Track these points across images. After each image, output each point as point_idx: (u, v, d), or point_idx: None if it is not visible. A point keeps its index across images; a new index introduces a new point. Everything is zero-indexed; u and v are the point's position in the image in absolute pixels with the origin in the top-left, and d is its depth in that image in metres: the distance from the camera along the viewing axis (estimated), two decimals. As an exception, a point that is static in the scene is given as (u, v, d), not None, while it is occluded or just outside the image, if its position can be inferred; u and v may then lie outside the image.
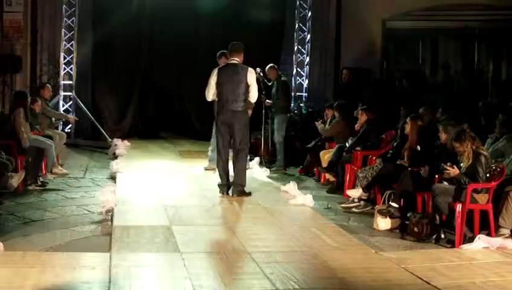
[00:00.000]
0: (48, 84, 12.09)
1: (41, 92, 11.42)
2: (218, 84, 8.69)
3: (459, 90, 14.51)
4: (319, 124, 11.01)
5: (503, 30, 14.68)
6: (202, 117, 14.06)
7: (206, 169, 10.47)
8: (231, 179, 8.79)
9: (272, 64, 11.45)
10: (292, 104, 14.59)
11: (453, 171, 6.85)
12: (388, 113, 11.02)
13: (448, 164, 6.98)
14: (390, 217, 7.45)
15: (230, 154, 8.97)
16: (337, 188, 9.60)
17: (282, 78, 11.54)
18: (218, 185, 8.81)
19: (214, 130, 9.85)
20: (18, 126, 9.26)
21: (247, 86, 8.66)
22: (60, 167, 10.27)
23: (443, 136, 7.63)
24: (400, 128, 9.03)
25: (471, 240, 6.67)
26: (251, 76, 8.71)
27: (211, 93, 8.80)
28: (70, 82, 14.13)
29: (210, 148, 10.65)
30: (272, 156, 11.83)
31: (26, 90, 11.37)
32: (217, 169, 8.96)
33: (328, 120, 11.12)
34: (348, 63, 14.67)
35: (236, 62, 8.77)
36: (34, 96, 10.89)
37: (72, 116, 12.59)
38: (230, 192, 8.71)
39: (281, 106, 11.36)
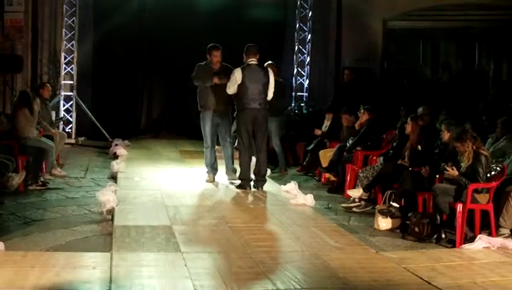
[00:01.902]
0: (47, 84, 12.08)
1: (40, 92, 11.41)
2: (242, 84, 8.88)
3: (460, 90, 14.50)
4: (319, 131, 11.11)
5: (503, 30, 14.67)
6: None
7: (207, 181, 9.62)
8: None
9: (270, 62, 11.07)
10: (293, 104, 14.61)
11: (452, 172, 6.86)
12: (389, 113, 11.01)
13: (449, 163, 6.99)
14: (391, 217, 7.45)
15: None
16: (338, 188, 9.60)
17: (280, 80, 11.37)
18: (242, 182, 9.04)
19: (210, 135, 9.49)
20: (18, 123, 9.29)
21: (268, 86, 9.04)
22: (59, 169, 10.24)
23: (446, 135, 7.63)
24: (399, 128, 9.03)
25: (471, 240, 6.67)
26: (271, 76, 9.14)
27: (233, 89, 8.97)
28: (71, 82, 14.15)
29: (208, 161, 9.70)
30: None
31: (28, 90, 11.37)
32: (240, 166, 9.14)
33: (329, 122, 11.12)
34: (349, 63, 14.68)
35: (256, 63, 9.06)
36: (33, 95, 10.88)
37: (54, 130, 11.37)
38: (254, 186, 9.06)
39: (277, 108, 10.91)
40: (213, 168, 9.66)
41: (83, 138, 13.99)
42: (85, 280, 5.17)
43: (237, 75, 8.92)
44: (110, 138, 13.73)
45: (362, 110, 9.94)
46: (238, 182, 9.31)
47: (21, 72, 13.64)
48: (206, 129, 9.49)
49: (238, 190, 9.08)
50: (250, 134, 9.07)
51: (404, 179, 7.64)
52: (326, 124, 11.35)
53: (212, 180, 9.60)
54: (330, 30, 14.92)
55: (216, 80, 9.19)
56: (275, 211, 7.99)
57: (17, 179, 8.48)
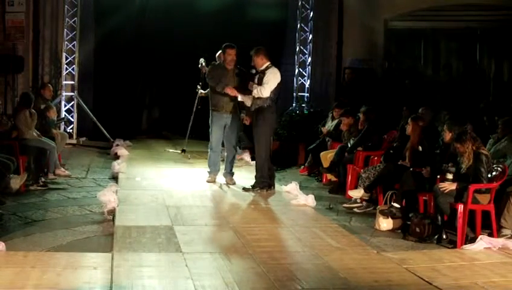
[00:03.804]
0: (49, 84, 12.08)
1: (42, 92, 11.43)
2: (277, 86, 8.85)
3: (461, 90, 14.50)
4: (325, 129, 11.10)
5: (504, 30, 14.66)
6: (205, 117, 14.07)
7: (208, 181, 9.59)
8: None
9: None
10: (294, 105, 14.61)
11: (449, 186, 6.84)
12: (390, 113, 11.00)
13: (450, 164, 7.00)
14: (392, 218, 7.45)
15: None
16: (339, 188, 9.59)
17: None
18: (265, 183, 8.99)
19: (216, 136, 9.38)
20: (18, 125, 9.32)
21: None
22: (62, 169, 10.28)
23: (447, 136, 7.62)
24: (400, 128, 9.01)
25: (473, 240, 6.67)
26: None
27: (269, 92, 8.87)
28: (72, 82, 14.15)
29: (212, 161, 9.66)
30: None
31: (30, 91, 11.36)
32: (262, 167, 9.02)
33: (336, 120, 11.10)
34: (350, 63, 14.69)
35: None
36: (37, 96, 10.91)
37: (55, 131, 11.25)
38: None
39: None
40: (215, 169, 9.61)
41: (84, 138, 13.99)
42: (86, 280, 5.17)
43: (279, 75, 8.89)
44: (111, 138, 13.74)
45: (361, 112, 9.97)
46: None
47: (22, 72, 13.64)
48: (214, 130, 9.39)
49: (238, 190, 9.09)
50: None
51: (405, 179, 7.63)
52: (331, 123, 11.32)
53: (214, 181, 9.56)
54: (331, 30, 14.91)
55: (228, 90, 9.08)
56: (276, 211, 8.00)
57: (18, 181, 8.48)
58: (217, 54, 10.74)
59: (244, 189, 9.09)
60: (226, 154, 9.68)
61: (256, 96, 8.83)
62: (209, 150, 9.62)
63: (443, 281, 5.43)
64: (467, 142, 6.84)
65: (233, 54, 9.20)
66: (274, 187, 9.16)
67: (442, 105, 11.06)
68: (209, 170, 9.65)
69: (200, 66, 11.20)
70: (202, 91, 11.25)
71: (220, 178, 9.65)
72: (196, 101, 11.58)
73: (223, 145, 9.68)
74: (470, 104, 12.43)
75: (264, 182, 9.01)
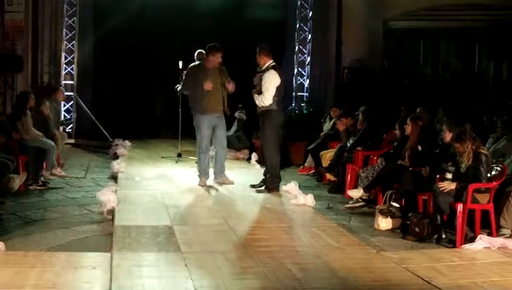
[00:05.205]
0: (61, 87, 12.06)
1: (53, 95, 11.39)
2: (279, 87, 8.80)
3: (460, 90, 14.52)
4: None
5: (503, 30, 14.68)
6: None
7: (200, 185, 9.33)
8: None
9: (199, 50, 10.94)
10: (293, 104, 14.61)
11: (448, 186, 6.84)
12: (389, 113, 11.01)
13: (449, 163, 7.00)
14: (392, 217, 7.45)
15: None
16: (338, 188, 9.59)
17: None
18: (277, 184, 8.98)
19: (207, 138, 9.28)
20: (19, 125, 9.31)
21: None
22: (59, 169, 10.25)
23: (447, 136, 7.62)
24: (398, 128, 9.01)
25: (472, 240, 6.67)
26: None
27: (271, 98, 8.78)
28: (72, 82, 14.17)
29: (203, 165, 9.45)
30: None
31: (29, 90, 11.36)
32: (276, 167, 9.01)
33: (334, 119, 11.10)
34: (349, 63, 14.70)
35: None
36: (42, 97, 10.90)
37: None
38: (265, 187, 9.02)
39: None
40: (206, 173, 9.40)
41: (83, 138, 13.99)
42: (85, 280, 5.17)
43: (277, 78, 8.76)
44: (110, 138, 13.75)
45: (360, 111, 9.98)
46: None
47: (21, 72, 13.65)
48: (203, 130, 9.24)
49: (237, 190, 9.09)
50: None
51: (405, 179, 7.63)
52: (329, 123, 11.32)
53: (205, 185, 9.31)
54: (330, 30, 14.92)
55: (206, 86, 9.00)
56: (275, 211, 7.99)
57: (17, 181, 8.47)
58: (196, 54, 10.76)
59: (252, 186, 9.11)
60: (216, 155, 9.51)
61: (259, 105, 8.81)
62: (198, 152, 9.45)
63: (442, 280, 5.43)
64: (466, 141, 6.84)
65: (216, 58, 9.12)
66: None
67: (440, 104, 11.07)
68: (199, 174, 9.44)
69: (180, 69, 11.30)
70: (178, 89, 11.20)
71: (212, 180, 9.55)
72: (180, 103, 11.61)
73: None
74: (469, 104, 12.44)
75: (277, 182, 9.01)
